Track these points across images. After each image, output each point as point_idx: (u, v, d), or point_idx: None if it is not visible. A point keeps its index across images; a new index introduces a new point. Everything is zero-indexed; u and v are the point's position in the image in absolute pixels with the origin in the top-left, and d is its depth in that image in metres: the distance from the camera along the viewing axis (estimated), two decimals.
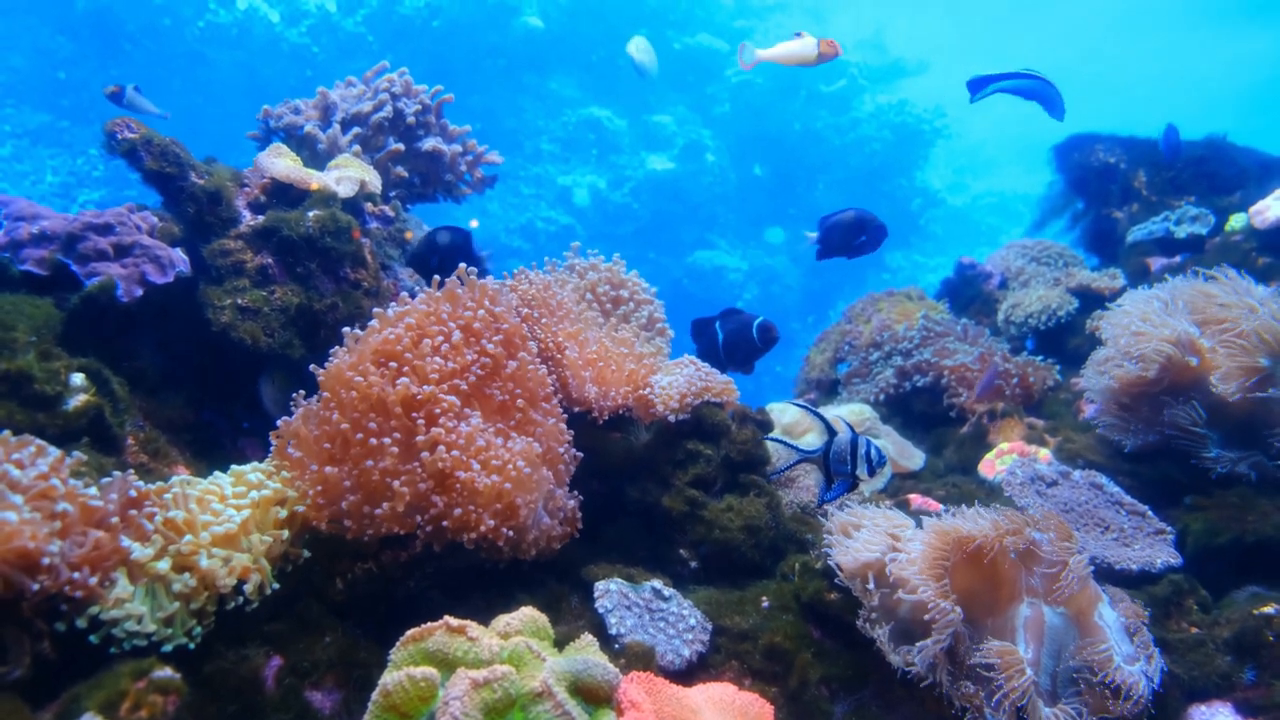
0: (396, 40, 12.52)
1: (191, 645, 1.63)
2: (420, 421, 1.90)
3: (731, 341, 2.79)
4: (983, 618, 2.01)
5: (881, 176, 15.00)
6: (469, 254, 2.81)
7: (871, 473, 2.03)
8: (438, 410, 1.92)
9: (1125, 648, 1.94)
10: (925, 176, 15.69)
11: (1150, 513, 2.60)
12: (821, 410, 3.50)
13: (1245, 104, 23.10)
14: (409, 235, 2.90)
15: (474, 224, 3.10)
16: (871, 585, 1.99)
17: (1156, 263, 3.99)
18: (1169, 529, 2.55)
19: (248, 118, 3.16)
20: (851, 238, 2.75)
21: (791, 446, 2.18)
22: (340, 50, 12.40)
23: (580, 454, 2.28)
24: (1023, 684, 1.80)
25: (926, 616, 1.83)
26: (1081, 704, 1.86)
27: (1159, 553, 2.45)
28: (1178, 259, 3.95)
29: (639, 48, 4.23)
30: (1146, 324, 2.71)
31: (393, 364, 1.96)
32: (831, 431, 2.05)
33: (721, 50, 14.79)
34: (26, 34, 11.40)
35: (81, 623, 1.54)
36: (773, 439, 2.30)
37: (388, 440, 1.86)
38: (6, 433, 1.61)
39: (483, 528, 1.86)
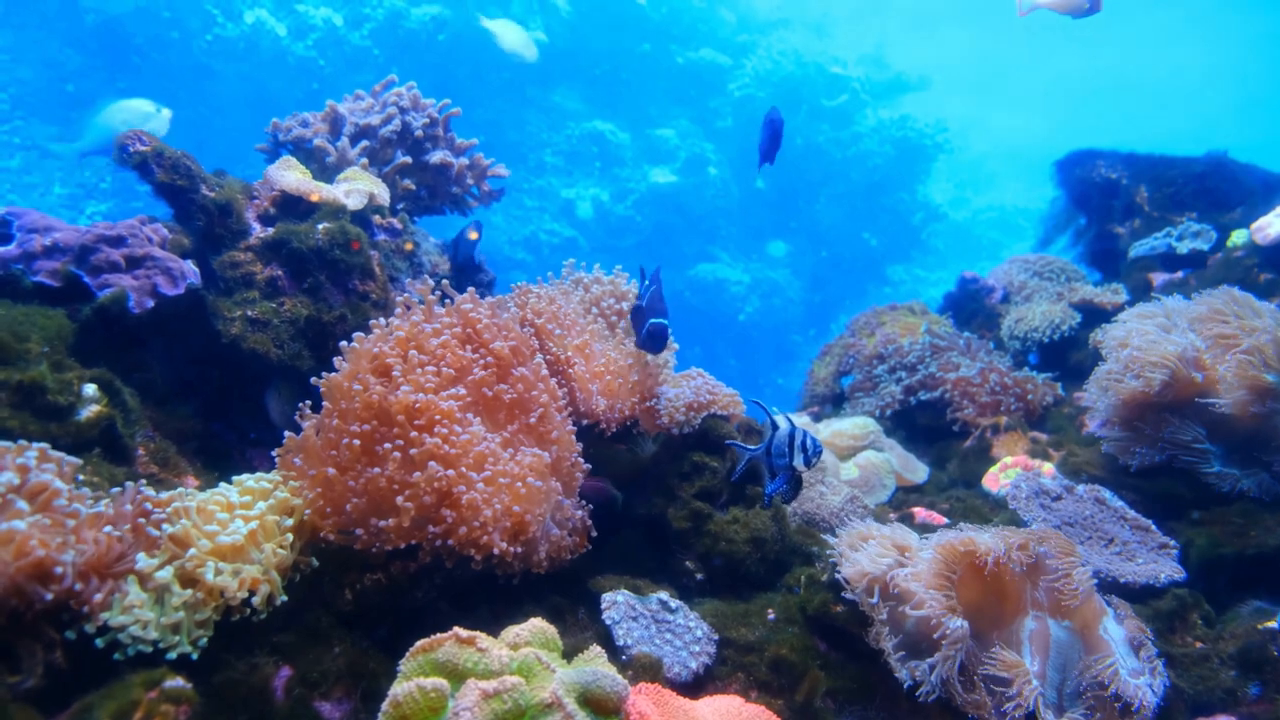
0: (402, 54, 12.57)
1: (194, 655, 1.63)
2: (416, 433, 1.90)
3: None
4: (988, 631, 2.01)
5: (883, 190, 15.01)
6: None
7: (807, 462, 2.03)
8: (437, 416, 1.92)
9: (1130, 661, 1.94)
10: (927, 191, 15.70)
11: (1154, 527, 2.60)
12: (825, 424, 3.52)
13: (1245, 119, 23.17)
14: (409, 246, 2.92)
15: (474, 235, 3.11)
16: (878, 599, 1.99)
17: (1159, 278, 4.01)
18: (1173, 543, 2.55)
19: (255, 130, 3.18)
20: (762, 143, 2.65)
21: (739, 448, 2.20)
22: (347, 63, 12.43)
23: (588, 465, 2.28)
24: (1030, 695, 1.80)
25: (935, 634, 1.83)
26: (1088, 717, 1.86)
27: (1163, 567, 2.45)
28: (1180, 274, 3.97)
29: (509, 38, 3.89)
30: (1148, 339, 2.71)
31: (394, 373, 1.97)
32: (774, 427, 2.07)
33: (724, 65, 14.84)
34: (35, 47, 11.41)
35: (90, 629, 1.55)
36: (731, 443, 2.32)
37: (389, 446, 1.87)
38: (21, 444, 1.63)
39: (495, 550, 1.87)
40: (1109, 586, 2.36)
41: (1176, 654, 2.16)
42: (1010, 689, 1.81)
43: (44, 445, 1.65)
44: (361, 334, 2.07)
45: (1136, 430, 2.78)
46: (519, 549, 1.93)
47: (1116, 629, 2.00)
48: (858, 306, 5.41)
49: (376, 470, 1.86)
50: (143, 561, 1.64)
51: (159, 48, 11.68)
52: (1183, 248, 3.94)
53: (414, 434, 1.89)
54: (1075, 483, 2.78)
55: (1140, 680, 1.89)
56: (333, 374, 2.00)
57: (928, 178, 15.61)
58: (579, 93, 14.25)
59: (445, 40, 12.71)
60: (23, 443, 1.63)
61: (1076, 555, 2.02)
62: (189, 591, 1.65)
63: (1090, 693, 1.89)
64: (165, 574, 1.65)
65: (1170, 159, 4.45)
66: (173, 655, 1.60)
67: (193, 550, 1.70)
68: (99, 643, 1.55)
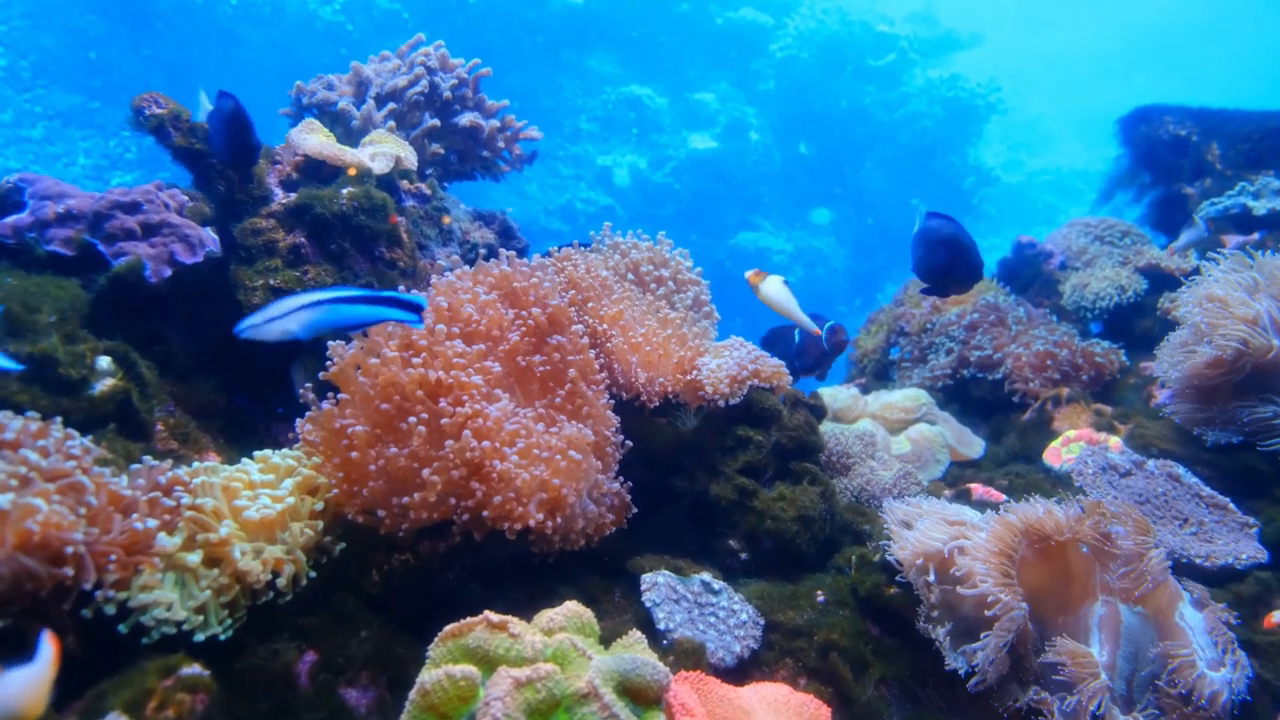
0: (432, 17, 12.39)
1: (222, 636, 1.56)
2: (445, 405, 1.83)
3: (803, 346, 2.74)
4: (1053, 616, 1.90)
5: (932, 154, 14.58)
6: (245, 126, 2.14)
7: None
8: (465, 397, 1.84)
9: (1209, 652, 1.81)
10: (978, 154, 15.23)
11: (1233, 505, 2.44)
12: (874, 396, 3.37)
13: None
14: (446, 220, 2.82)
15: (509, 210, 3.02)
16: (933, 579, 1.88)
17: (1232, 240, 3.77)
18: (1254, 522, 2.38)
19: (281, 97, 3.09)
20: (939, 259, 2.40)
21: None
22: (375, 27, 12.28)
23: (628, 442, 2.18)
24: (1097, 689, 1.68)
25: (989, 612, 1.71)
26: (1160, 712, 1.74)
27: (1243, 548, 2.29)
28: (1255, 236, 3.72)
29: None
30: (1227, 301, 2.52)
31: (420, 344, 1.89)
32: None
33: (766, 24, 14.47)
34: (57, 13, 11.21)
35: (110, 609, 1.48)
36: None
37: (413, 420, 1.79)
38: (29, 415, 1.56)
39: (531, 521, 1.78)
40: (1184, 569, 2.22)
41: (1260, 642, 2.02)
42: (1076, 681, 1.68)
43: (68, 429, 1.58)
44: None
45: (1211, 404, 2.59)
46: (558, 520, 1.84)
47: (1194, 615, 1.87)
48: (904, 275, 5.21)
49: (395, 450, 1.78)
50: (166, 541, 1.57)
51: (183, 13, 11.53)
52: (1260, 207, 3.68)
53: (443, 404, 1.81)
54: (1145, 457, 2.62)
55: (1220, 673, 1.75)
56: (350, 349, 1.92)
57: (979, 140, 15.15)
58: (615, 56, 14.01)
59: (476, 3, 12.51)
60: (32, 414, 1.57)
61: (1151, 534, 1.88)
62: (214, 572, 1.58)
63: (1164, 685, 1.76)
64: (189, 554, 1.58)
65: (1246, 114, 4.19)
66: (200, 637, 1.54)
67: (219, 533, 1.63)
68: (122, 628, 1.49)
